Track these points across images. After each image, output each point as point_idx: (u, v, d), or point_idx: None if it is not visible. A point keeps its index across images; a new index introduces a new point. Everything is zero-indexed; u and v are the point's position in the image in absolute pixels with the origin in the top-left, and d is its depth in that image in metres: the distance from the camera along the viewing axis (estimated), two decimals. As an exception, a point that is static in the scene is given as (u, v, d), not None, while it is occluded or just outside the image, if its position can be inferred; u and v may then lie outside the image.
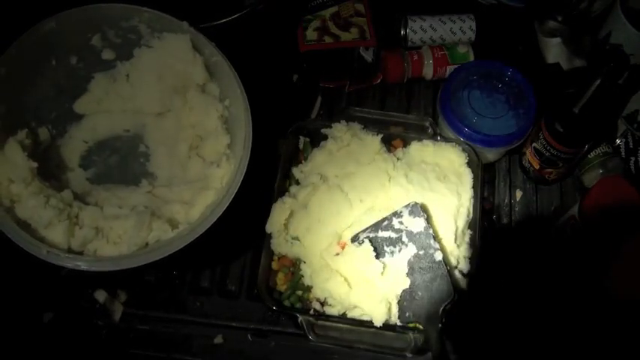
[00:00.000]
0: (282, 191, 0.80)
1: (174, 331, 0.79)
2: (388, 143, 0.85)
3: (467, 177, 0.81)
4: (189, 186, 0.72)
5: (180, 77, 0.74)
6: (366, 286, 0.72)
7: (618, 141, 0.89)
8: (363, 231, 0.74)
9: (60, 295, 0.79)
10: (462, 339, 0.72)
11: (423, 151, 0.83)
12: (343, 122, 0.83)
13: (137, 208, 0.69)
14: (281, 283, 0.77)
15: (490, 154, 0.87)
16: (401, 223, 0.73)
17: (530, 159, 0.85)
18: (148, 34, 0.73)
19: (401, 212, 0.74)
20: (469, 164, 0.82)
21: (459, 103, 0.85)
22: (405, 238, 0.73)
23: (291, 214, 0.78)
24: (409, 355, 0.72)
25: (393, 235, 0.73)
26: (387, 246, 0.73)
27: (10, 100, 0.63)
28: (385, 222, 0.74)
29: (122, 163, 0.75)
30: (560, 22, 0.93)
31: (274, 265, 0.78)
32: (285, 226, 0.78)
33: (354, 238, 0.74)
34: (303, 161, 0.84)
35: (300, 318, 0.73)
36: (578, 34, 0.93)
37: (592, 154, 0.85)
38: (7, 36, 0.67)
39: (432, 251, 0.72)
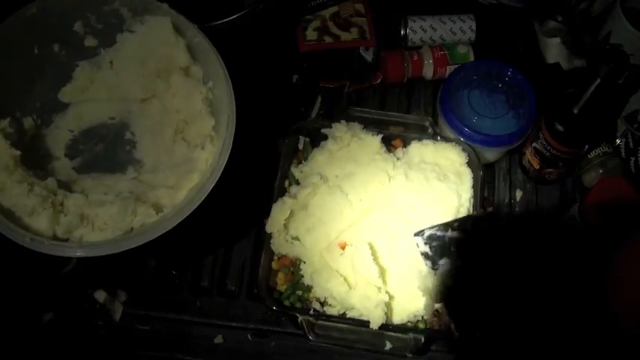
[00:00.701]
0: (282, 191, 0.81)
1: (174, 331, 0.80)
2: (388, 143, 0.85)
3: (467, 177, 0.81)
4: (174, 170, 0.71)
5: (163, 61, 0.73)
6: (366, 287, 0.72)
7: (618, 141, 0.89)
8: (430, 227, 0.71)
9: (60, 295, 0.79)
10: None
11: (422, 150, 0.83)
12: (343, 122, 0.83)
13: (122, 194, 0.68)
14: (281, 283, 0.77)
15: (490, 154, 0.87)
16: (475, 226, 0.70)
17: (530, 159, 0.85)
18: (129, 17, 0.72)
19: (476, 215, 0.71)
20: (469, 164, 0.82)
21: (458, 103, 0.85)
22: (476, 243, 0.69)
23: (291, 214, 0.78)
24: (409, 355, 0.72)
25: (464, 236, 0.70)
26: (454, 247, 0.70)
27: None
28: (456, 223, 0.71)
29: (108, 151, 0.74)
30: (560, 22, 0.93)
31: (274, 265, 0.78)
32: (285, 226, 0.78)
33: (418, 233, 0.71)
34: (303, 161, 0.84)
35: (300, 318, 0.73)
36: (578, 34, 0.93)
37: (592, 154, 0.85)
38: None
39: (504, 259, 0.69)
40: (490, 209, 0.72)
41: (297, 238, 0.77)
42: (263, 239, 0.77)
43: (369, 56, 0.94)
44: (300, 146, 0.85)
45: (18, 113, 0.67)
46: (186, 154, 0.72)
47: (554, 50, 0.95)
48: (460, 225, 0.71)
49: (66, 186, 0.69)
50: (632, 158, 0.87)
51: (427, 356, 0.77)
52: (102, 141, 0.74)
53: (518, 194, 0.89)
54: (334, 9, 0.96)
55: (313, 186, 0.79)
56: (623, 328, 0.68)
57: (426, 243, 0.70)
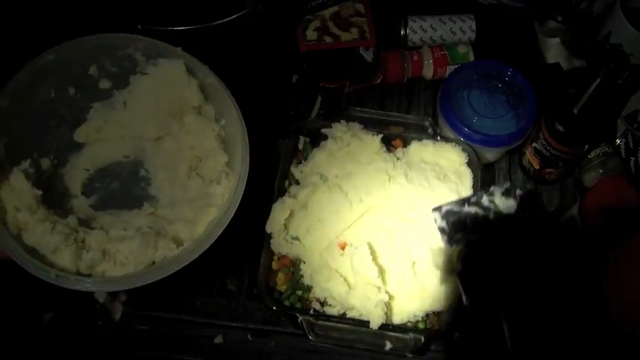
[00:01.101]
0: (282, 191, 0.81)
1: (174, 331, 0.80)
2: (388, 143, 0.85)
3: (467, 177, 0.81)
4: (191, 205, 0.74)
5: (176, 101, 0.76)
6: (366, 287, 0.72)
7: (618, 141, 0.89)
8: (448, 203, 0.71)
9: (60, 295, 0.79)
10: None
11: (422, 150, 0.83)
12: (343, 122, 0.83)
13: (142, 229, 0.71)
14: (281, 283, 0.77)
15: (490, 154, 0.87)
16: (491, 201, 0.70)
17: (530, 159, 0.85)
18: (143, 61, 0.75)
19: (492, 191, 0.71)
20: (469, 164, 0.82)
21: (459, 103, 0.85)
22: (491, 218, 0.70)
23: (291, 214, 0.78)
24: (409, 355, 0.72)
25: (480, 212, 0.70)
26: (471, 222, 0.70)
27: (13, 131, 0.65)
28: (474, 197, 0.71)
29: (124, 188, 0.77)
30: (560, 22, 0.93)
31: (274, 265, 0.78)
32: (285, 226, 0.78)
33: (436, 209, 0.71)
34: (303, 161, 0.84)
35: (300, 318, 0.73)
36: (578, 34, 0.93)
37: (592, 154, 0.85)
38: (7, 68, 0.68)
39: (518, 235, 0.69)
40: (507, 183, 0.72)
41: (297, 238, 0.77)
42: (263, 239, 0.77)
43: (369, 56, 0.94)
44: (300, 146, 0.85)
45: (35, 154, 0.70)
46: (202, 189, 0.75)
47: (554, 50, 0.95)
48: (477, 200, 0.71)
49: (85, 223, 0.71)
50: (632, 158, 0.87)
51: (427, 356, 0.77)
52: (117, 179, 0.77)
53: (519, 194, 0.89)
54: (334, 9, 0.96)
55: (313, 186, 0.79)
56: (622, 329, 0.68)
57: (443, 218, 0.71)
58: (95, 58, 0.72)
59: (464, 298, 0.69)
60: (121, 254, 0.67)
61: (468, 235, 0.70)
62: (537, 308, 0.70)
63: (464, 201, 0.71)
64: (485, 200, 0.71)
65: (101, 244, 0.67)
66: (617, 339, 0.69)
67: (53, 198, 0.67)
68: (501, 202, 0.71)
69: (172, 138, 0.77)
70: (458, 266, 0.70)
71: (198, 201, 0.74)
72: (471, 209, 0.70)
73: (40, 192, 0.65)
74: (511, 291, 0.69)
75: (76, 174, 0.75)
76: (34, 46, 0.71)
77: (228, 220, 0.68)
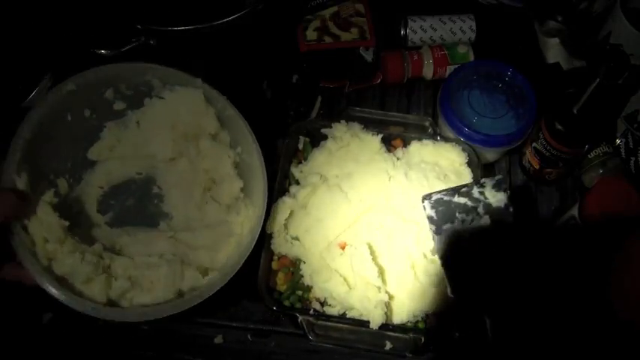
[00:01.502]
0: (282, 191, 0.81)
1: (174, 331, 0.80)
2: (388, 143, 0.85)
3: (467, 177, 0.81)
4: (210, 231, 0.76)
5: (191, 126, 0.77)
6: (366, 287, 0.72)
7: (618, 141, 0.89)
8: (438, 192, 0.72)
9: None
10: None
11: (422, 150, 0.83)
12: (343, 122, 0.83)
13: (165, 256, 0.72)
14: (281, 283, 0.77)
15: (490, 154, 0.87)
16: (481, 193, 0.71)
17: (530, 159, 0.85)
18: (159, 86, 0.76)
19: (484, 183, 0.72)
20: (469, 164, 0.82)
21: (458, 103, 0.85)
22: (480, 210, 0.71)
23: (291, 214, 0.78)
24: (409, 355, 0.72)
25: (470, 203, 0.71)
26: (460, 213, 0.71)
27: (33, 160, 0.66)
28: (464, 188, 0.72)
29: (138, 205, 0.78)
30: (560, 22, 0.93)
31: (274, 265, 0.78)
32: (285, 226, 0.78)
33: (426, 197, 0.72)
34: (303, 161, 0.84)
35: (300, 318, 0.73)
36: (578, 34, 0.93)
37: (592, 154, 0.85)
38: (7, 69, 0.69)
39: (506, 228, 0.70)
40: (499, 176, 0.72)
41: (296, 238, 0.77)
42: (263, 239, 0.77)
43: (369, 56, 0.94)
44: (300, 146, 0.85)
45: (52, 176, 0.71)
46: (219, 215, 0.76)
47: (554, 50, 0.95)
48: (468, 191, 0.72)
49: (101, 241, 0.72)
50: (632, 158, 0.87)
51: (427, 356, 0.77)
52: (131, 195, 0.78)
53: (519, 194, 0.89)
54: (334, 9, 0.96)
55: (313, 186, 0.79)
56: (625, 327, 0.68)
57: (432, 207, 0.71)
58: (112, 84, 0.73)
59: (448, 288, 0.69)
60: (146, 280, 0.69)
61: (455, 226, 0.70)
62: (520, 303, 0.70)
63: (454, 191, 0.72)
64: (475, 192, 0.72)
65: (127, 271, 0.69)
66: (618, 331, 0.69)
67: (70, 216, 0.68)
68: (491, 194, 0.72)
69: (186, 159, 0.79)
70: (444, 257, 0.71)
71: (217, 228, 0.76)
72: (461, 200, 0.71)
73: (67, 223, 0.66)
74: (495, 284, 0.69)
75: (91, 191, 0.76)
76: (34, 45, 0.70)
77: (251, 249, 0.70)
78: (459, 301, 0.69)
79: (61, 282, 0.63)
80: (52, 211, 0.65)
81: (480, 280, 0.69)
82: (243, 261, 0.69)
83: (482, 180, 0.73)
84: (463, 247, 0.71)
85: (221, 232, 0.75)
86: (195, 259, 0.73)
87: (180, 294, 0.69)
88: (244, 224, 0.74)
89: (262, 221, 0.72)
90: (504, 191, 0.71)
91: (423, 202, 0.72)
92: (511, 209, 0.71)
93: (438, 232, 0.71)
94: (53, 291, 0.61)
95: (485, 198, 0.72)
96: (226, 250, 0.73)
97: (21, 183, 0.62)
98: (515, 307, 0.70)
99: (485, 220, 0.71)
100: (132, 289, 0.68)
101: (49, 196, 0.66)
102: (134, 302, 0.67)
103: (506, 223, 0.71)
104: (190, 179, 0.78)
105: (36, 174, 0.66)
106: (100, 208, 0.76)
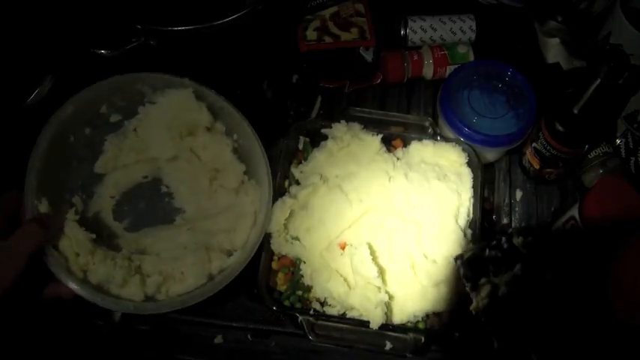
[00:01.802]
0: (282, 191, 0.81)
1: (174, 331, 0.80)
2: (388, 143, 0.85)
3: (467, 177, 0.81)
4: (225, 216, 0.79)
5: (186, 123, 0.80)
6: (366, 287, 0.72)
7: (618, 141, 0.89)
8: (469, 250, 0.72)
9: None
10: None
11: (422, 151, 0.83)
12: (343, 122, 0.83)
13: (189, 247, 0.76)
14: (281, 283, 0.77)
15: (490, 154, 0.87)
16: (509, 241, 0.72)
17: (530, 159, 0.85)
18: (150, 93, 0.79)
19: (511, 232, 0.72)
20: (469, 164, 0.82)
21: (459, 103, 0.85)
22: (511, 259, 0.71)
23: (291, 214, 0.78)
24: (409, 355, 0.72)
25: (500, 254, 0.71)
26: (493, 266, 0.71)
27: (49, 185, 0.70)
28: (494, 242, 0.72)
29: (150, 206, 0.81)
30: (560, 22, 0.93)
31: (274, 265, 0.78)
32: (285, 226, 0.78)
33: (458, 257, 0.72)
34: (303, 161, 0.84)
35: (300, 318, 0.73)
36: (578, 34, 0.93)
37: (592, 154, 0.85)
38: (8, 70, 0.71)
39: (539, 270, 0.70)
40: (523, 225, 0.73)
41: (297, 238, 0.77)
42: (263, 239, 0.77)
43: (369, 56, 0.94)
44: (300, 146, 0.85)
45: (67, 195, 0.75)
46: (230, 199, 0.80)
47: (554, 50, 0.95)
48: (497, 244, 0.72)
49: (128, 246, 0.76)
50: (632, 158, 0.87)
51: (427, 356, 0.77)
52: (142, 199, 0.81)
53: (518, 194, 0.89)
54: (334, 9, 0.96)
55: (313, 186, 0.79)
56: (625, 327, 0.68)
57: (465, 266, 0.72)
58: (106, 99, 0.77)
59: (495, 342, 0.68)
60: (177, 271, 0.73)
61: (491, 279, 0.70)
62: (565, 343, 0.70)
63: (484, 247, 0.72)
64: (504, 243, 0.72)
65: (157, 267, 0.72)
66: (618, 331, 0.69)
67: (92, 230, 0.72)
68: (519, 242, 0.71)
69: (187, 155, 0.82)
70: (486, 312, 0.70)
71: (230, 211, 0.79)
72: (492, 253, 0.71)
73: (93, 235, 0.70)
74: (539, 329, 0.69)
75: (104, 203, 0.79)
76: (35, 45, 0.70)
77: (268, 225, 0.76)
78: (506, 352, 0.69)
79: (99, 290, 0.67)
80: (78, 227, 0.69)
81: (525, 327, 0.69)
82: (262, 236, 0.74)
83: (510, 230, 0.72)
84: (501, 299, 0.70)
85: (235, 214, 0.78)
86: (217, 243, 0.77)
87: (210, 277, 0.73)
88: (255, 202, 0.78)
89: (272, 197, 0.76)
90: (531, 237, 0.71)
91: (455, 262, 0.72)
92: (542, 253, 0.71)
93: (474, 288, 0.70)
94: (93, 299, 0.66)
95: (515, 247, 0.71)
96: (244, 229, 0.77)
97: (43, 207, 0.67)
98: (561, 347, 0.71)
99: (517, 269, 0.70)
100: (165, 283, 0.71)
101: (71, 214, 0.70)
102: (170, 294, 0.71)
103: (539, 267, 0.70)
104: (195, 172, 0.81)
105: (54, 197, 0.70)
106: (116, 216, 0.79)
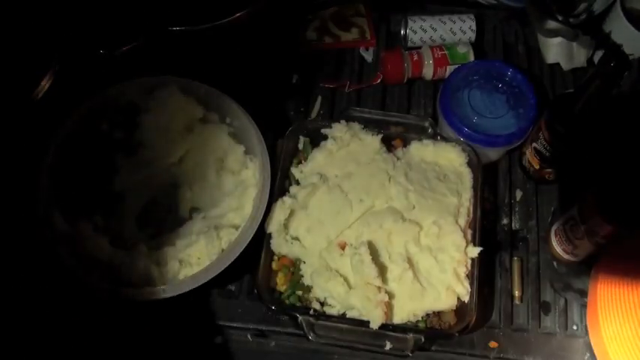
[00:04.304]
0: (282, 191, 0.81)
1: (174, 331, 0.79)
2: (388, 143, 0.85)
3: (467, 177, 0.81)
4: (232, 196, 0.81)
5: (182, 120, 0.83)
6: (366, 287, 0.72)
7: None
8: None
9: (59, 293, 0.79)
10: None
11: (422, 150, 0.83)
12: (343, 122, 0.83)
13: (202, 232, 0.78)
14: (281, 283, 0.77)
15: (490, 154, 0.87)
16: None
17: (530, 159, 0.85)
18: (142, 100, 0.82)
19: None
20: (469, 164, 0.82)
21: (459, 103, 0.85)
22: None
23: (291, 214, 0.78)
24: (409, 354, 0.72)
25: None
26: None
27: (64, 204, 0.75)
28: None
29: (171, 212, 0.84)
30: (560, 22, 0.93)
31: (274, 265, 0.78)
32: (285, 226, 0.78)
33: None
34: (303, 161, 0.84)
35: (300, 318, 0.73)
36: (578, 34, 0.93)
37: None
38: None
39: None
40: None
41: (297, 238, 0.77)
42: (263, 239, 0.77)
43: (369, 56, 0.94)
44: (300, 146, 0.85)
45: (87, 212, 0.78)
46: (234, 181, 0.83)
47: (554, 50, 0.95)
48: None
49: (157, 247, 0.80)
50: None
51: (427, 356, 0.77)
52: (162, 206, 0.84)
53: (518, 194, 0.89)
54: (334, 9, 0.96)
55: (313, 186, 0.79)
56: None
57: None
58: (103, 114, 0.81)
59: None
60: (193, 257, 0.76)
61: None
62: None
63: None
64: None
65: (174, 256, 0.76)
66: None
67: (114, 241, 0.77)
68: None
69: (192, 153, 0.84)
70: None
71: (236, 190, 0.81)
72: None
73: (106, 239, 0.76)
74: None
75: (126, 218, 0.82)
76: (35, 46, 0.71)
77: (268, 193, 0.77)
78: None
79: (127, 284, 0.73)
80: (107, 243, 0.75)
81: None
82: (265, 204, 0.76)
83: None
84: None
85: (241, 192, 0.80)
86: (227, 222, 0.79)
87: (222, 252, 0.75)
88: (254, 174, 0.80)
89: (269, 164, 0.78)
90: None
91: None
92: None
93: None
94: (125, 293, 0.71)
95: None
96: (249, 202, 0.78)
97: (62, 224, 0.73)
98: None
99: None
100: (183, 268, 0.75)
101: (87, 227, 0.75)
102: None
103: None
104: (202, 168, 0.84)
105: (71, 214, 0.75)
106: (141, 227, 0.82)
